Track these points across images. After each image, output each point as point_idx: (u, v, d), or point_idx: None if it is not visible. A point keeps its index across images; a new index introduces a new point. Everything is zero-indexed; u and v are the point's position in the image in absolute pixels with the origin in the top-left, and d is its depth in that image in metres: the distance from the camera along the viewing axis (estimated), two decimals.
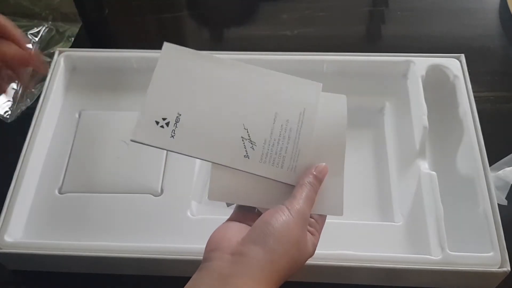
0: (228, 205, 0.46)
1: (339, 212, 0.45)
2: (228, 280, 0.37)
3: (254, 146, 0.45)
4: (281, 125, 0.45)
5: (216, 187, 0.44)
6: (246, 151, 0.45)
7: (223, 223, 0.44)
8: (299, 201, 0.42)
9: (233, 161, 0.44)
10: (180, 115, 0.44)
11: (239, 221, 0.43)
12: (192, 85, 0.45)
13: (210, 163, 0.44)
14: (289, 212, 0.41)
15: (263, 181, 0.44)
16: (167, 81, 0.45)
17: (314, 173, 0.44)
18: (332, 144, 0.46)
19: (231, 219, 0.44)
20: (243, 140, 0.45)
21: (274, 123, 0.45)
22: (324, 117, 0.46)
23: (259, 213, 0.43)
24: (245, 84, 0.46)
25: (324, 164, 0.44)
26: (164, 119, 0.44)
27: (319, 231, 0.44)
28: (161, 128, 0.44)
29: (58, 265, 0.57)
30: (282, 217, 0.40)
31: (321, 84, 0.47)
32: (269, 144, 0.45)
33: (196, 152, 0.44)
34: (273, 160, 0.45)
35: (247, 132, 0.45)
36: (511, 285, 0.54)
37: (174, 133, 0.44)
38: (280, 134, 0.45)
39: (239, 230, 0.41)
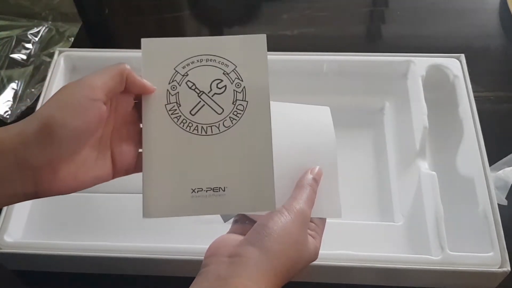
0: (225, 220, 0.45)
1: (337, 214, 0.45)
2: (225, 281, 0.37)
3: None
4: None
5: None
6: None
7: (222, 235, 0.43)
8: (299, 201, 0.42)
9: None
10: None
11: (238, 234, 0.42)
12: None
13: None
14: (288, 213, 0.41)
15: None
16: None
17: (311, 175, 0.44)
18: (323, 152, 0.46)
19: (230, 232, 0.44)
20: None
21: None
22: (311, 127, 0.47)
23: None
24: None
25: (318, 166, 0.45)
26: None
27: (320, 235, 0.44)
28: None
29: (58, 265, 0.57)
30: (280, 219, 0.40)
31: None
32: None
33: None
34: None
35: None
36: (511, 285, 0.54)
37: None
38: None
39: (238, 238, 0.41)
